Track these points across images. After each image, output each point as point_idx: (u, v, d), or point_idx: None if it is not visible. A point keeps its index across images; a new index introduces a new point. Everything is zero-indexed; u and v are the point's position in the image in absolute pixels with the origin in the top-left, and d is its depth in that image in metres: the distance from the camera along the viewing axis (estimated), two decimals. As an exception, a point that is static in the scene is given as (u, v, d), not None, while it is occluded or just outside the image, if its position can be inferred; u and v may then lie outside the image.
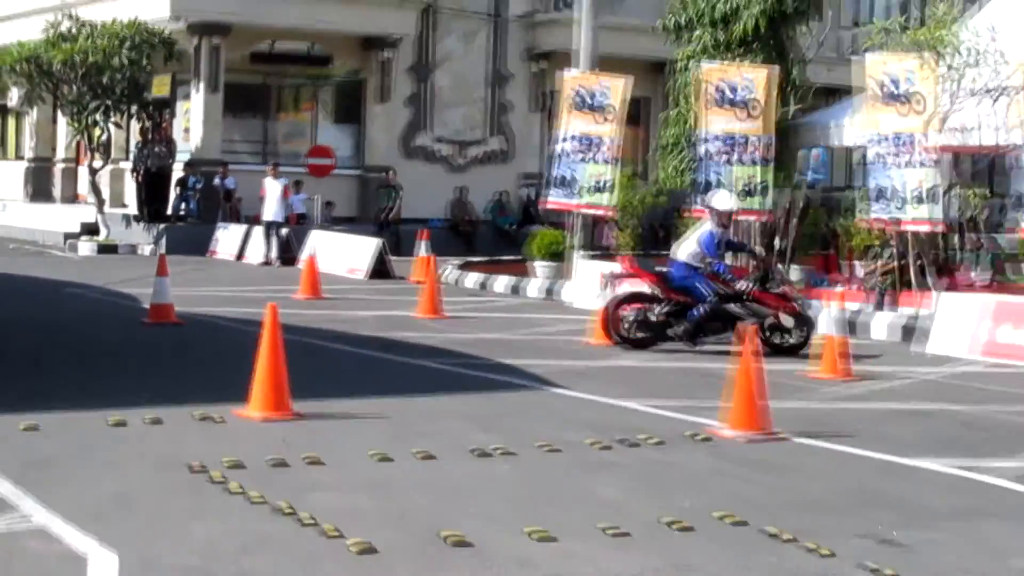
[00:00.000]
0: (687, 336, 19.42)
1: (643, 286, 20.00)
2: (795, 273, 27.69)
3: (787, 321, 19.61)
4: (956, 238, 27.81)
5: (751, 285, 19.62)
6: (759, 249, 21.71)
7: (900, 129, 23.39)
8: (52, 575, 8.09)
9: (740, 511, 9.99)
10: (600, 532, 9.33)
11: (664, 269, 20.17)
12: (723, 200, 20.26)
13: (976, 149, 25.53)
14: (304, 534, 9.14)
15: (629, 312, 19.77)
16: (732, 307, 19.36)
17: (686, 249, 19.69)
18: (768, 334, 19.31)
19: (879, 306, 22.95)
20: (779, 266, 21.71)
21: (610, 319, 19.75)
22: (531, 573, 8.37)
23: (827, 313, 18.27)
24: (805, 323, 19.63)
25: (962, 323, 20.26)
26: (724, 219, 19.91)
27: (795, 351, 19.23)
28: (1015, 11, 25.26)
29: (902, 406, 15.58)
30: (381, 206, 37.48)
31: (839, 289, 22.77)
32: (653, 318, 19.60)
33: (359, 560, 8.57)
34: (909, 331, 21.37)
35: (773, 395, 13.78)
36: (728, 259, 21.71)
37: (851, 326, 19.87)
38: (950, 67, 23.37)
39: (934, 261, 23.72)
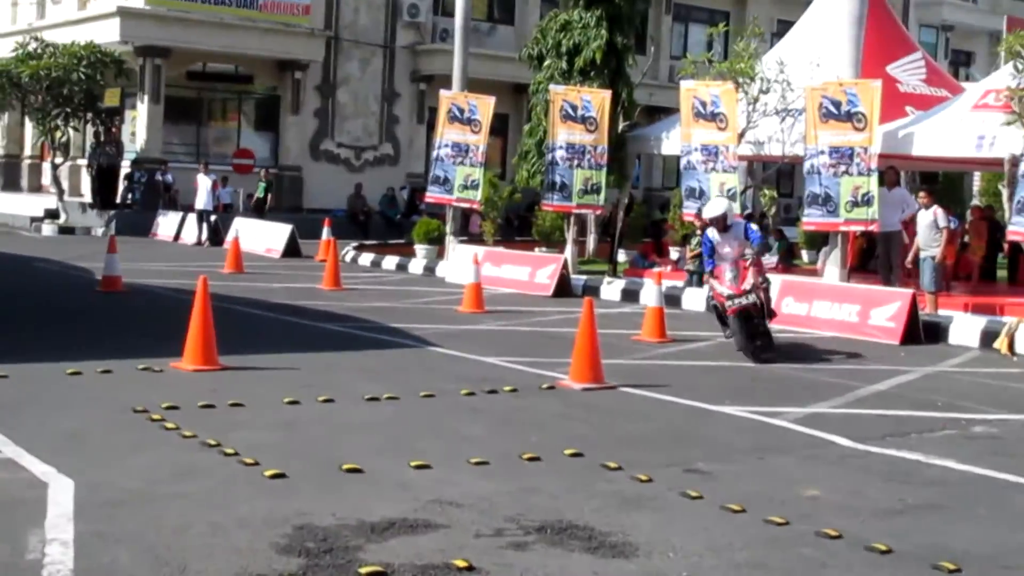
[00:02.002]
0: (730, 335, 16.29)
1: None
2: (623, 255, 27.92)
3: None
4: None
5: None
6: (759, 247, 16.55)
7: (709, 142, 23.62)
8: (19, 498, 7.97)
9: (579, 446, 10.06)
10: (466, 462, 9.37)
11: None
12: (708, 209, 17.22)
13: (768, 158, 25.82)
14: (227, 463, 9.10)
15: None
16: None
17: None
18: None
19: (690, 283, 23.13)
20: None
21: None
22: (411, 494, 8.37)
23: (651, 288, 18.35)
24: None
25: (756, 297, 20.50)
26: (716, 224, 16.31)
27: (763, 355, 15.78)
28: (800, 48, 25.60)
29: (707, 363, 15.70)
30: (259, 196, 37.10)
31: (658, 269, 22.98)
32: None
33: (272, 483, 8.55)
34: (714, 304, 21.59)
35: (606, 354, 13.85)
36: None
37: (669, 300, 19.96)
38: (747, 93, 23.68)
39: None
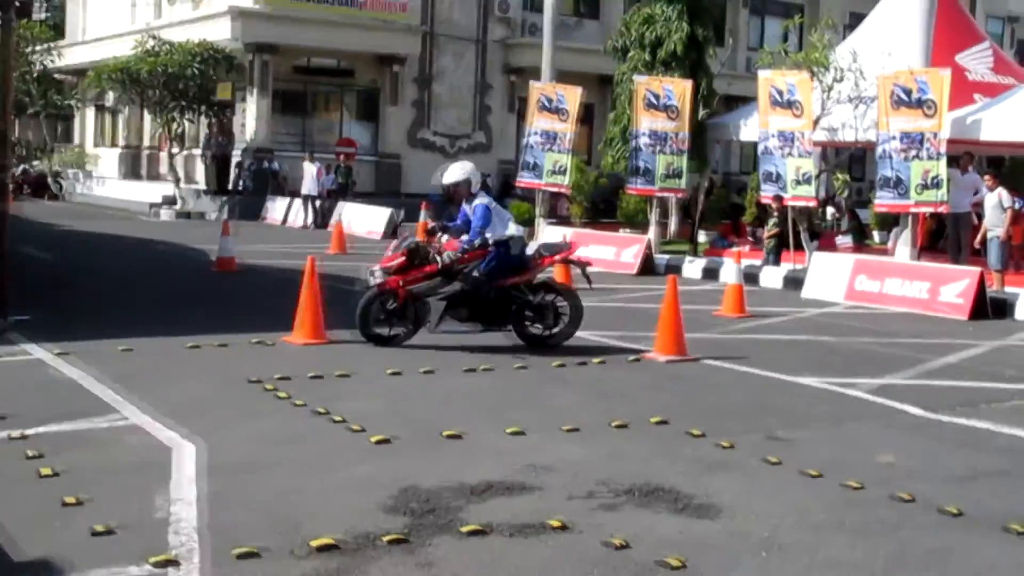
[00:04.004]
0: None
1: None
2: (703, 236, 27.78)
3: None
4: (829, 211, 27.94)
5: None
6: (455, 229, 13.37)
7: (785, 128, 23.39)
8: (146, 461, 8.12)
9: (664, 414, 10.05)
10: (558, 429, 9.39)
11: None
12: (445, 175, 13.41)
13: (841, 144, 25.54)
14: (335, 429, 9.19)
15: None
16: None
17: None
18: None
19: (767, 262, 23.01)
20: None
21: None
22: (507, 459, 8.41)
23: (730, 267, 18.24)
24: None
25: (829, 275, 20.35)
26: (455, 193, 13.38)
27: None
28: (872, 39, 25.31)
29: (785, 337, 15.60)
30: (341, 181, 36.93)
31: (737, 249, 22.83)
32: None
33: (377, 449, 8.62)
34: (790, 281, 21.45)
35: (689, 328, 13.78)
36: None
37: (748, 277, 19.87)
38: (821, 81, 23.42)
39: (808, 228, 23.75)
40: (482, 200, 13.17)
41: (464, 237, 13.08)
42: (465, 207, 13.33)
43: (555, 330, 13.62)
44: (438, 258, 12.87)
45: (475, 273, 12.98)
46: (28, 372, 11.28)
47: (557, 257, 13.99)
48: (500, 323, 13.31)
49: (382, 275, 12.97)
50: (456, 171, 13.36)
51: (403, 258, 12.87)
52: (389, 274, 12.90)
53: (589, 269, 14.32)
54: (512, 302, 13.24)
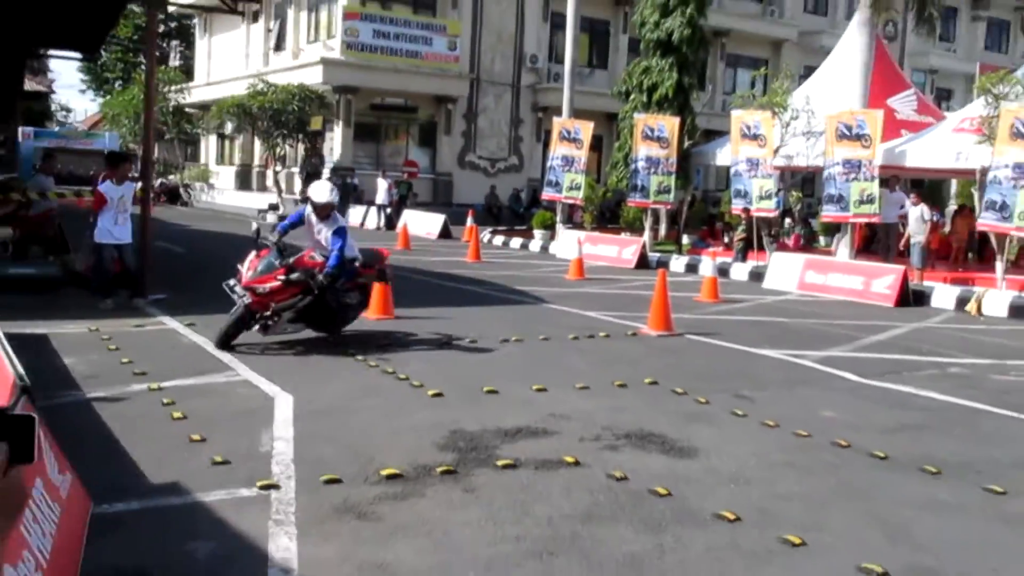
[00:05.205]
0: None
1: None
2: (687, 239, 27.66)
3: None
4: (785, 220, 27.79)
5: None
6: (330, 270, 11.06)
7: (752, 155, 23.28)
8: (255, 407, 8.15)
9: (655, 376, 10.03)
10: (572, 387, 9.38)
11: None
12: (313, 192, 11.65)
13: (796, 168, 25.42)
14: (401, 385, 9.20)
15: None
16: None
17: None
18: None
19: (736, 259, 22.89)
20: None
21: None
22: (533, 408, 8.41)
23: (707, 263, 18.11)
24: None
25: (785, 270, 20.24)
26: (318, 210, 11.47)
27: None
28: (822, 86, 25.22)
29: (750, 318, 15.52)
30: (402, 194, 36.63)
31: (713, 249, 22.74)
32: None
33: (433, 400, 8.63)
34: (754, 274, 21.33)
35: (675, 310, 13.75)
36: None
37: (721, 271, 19.76)
38: (781, 119, 23.31)
39: (770, 233, 23.62)
40: (340, 223, 11.41)
41: (329, 259, 11.07)
42: (311, 214, 11.54)
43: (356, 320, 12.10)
44: (311, 282, 10.82)
45: (336, 291, 11.29)
46: (164, 338, 11.35)
47: (376, 266, 12.65)
48: (325, 323, 11.48)
49: (248, 294, 10.73)
50: (325, 192, 11.36)
51: (278, 283, 10.69)
52: (258, 294, 10.68)
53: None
54: (339, 305, 11.49)
